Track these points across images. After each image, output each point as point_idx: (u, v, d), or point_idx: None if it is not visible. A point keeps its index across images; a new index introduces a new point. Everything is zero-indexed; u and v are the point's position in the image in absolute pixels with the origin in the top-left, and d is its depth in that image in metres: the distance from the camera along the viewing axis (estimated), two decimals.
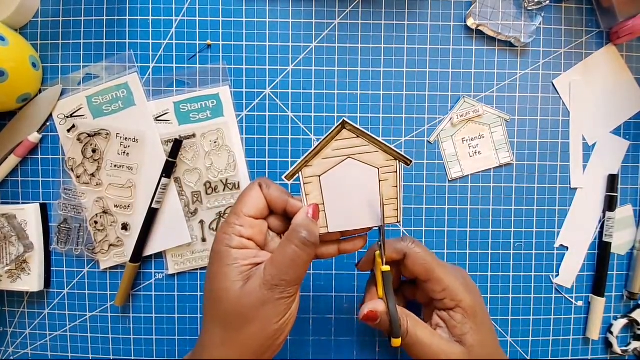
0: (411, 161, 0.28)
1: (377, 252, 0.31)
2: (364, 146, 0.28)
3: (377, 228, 0.30)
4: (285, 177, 0.28)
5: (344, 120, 0.27)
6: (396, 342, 0.29)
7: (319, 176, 0.28)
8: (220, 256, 0.27)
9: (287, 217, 0.30)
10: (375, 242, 0.32)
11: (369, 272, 0.35)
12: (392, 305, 0.29)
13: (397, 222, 0.29)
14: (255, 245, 0.29)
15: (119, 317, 0.42)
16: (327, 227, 0.29)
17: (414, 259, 0.31)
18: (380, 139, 0.27)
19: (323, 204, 0.29)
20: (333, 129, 0.27)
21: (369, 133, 0.27)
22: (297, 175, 0.28)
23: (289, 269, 0.26)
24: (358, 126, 0.27)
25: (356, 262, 0.35)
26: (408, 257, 0.31)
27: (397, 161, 0.28)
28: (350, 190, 0.28)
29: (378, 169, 0.28)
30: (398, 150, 0.28)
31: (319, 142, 0.27)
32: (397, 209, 0.29)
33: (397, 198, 0.28)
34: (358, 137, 0.28)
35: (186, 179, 0.41)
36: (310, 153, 0.28)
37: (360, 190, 0.28)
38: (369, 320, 0.30)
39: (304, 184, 0.28)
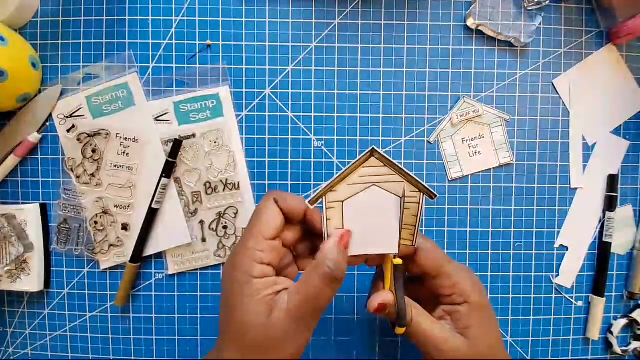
0: (436, 195, 0.28)
1: None
2: (390, 175, 0.28)
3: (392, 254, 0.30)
4: (308, 202, 0.28)
5: (373, 148, 0.27)
6: (400, 330, 0.29)
7: (342, 201, 0.28)
8: (240, 286, 0.26)
9: (303, 225, 0.30)
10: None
11: (375, 270, 0.35)
12: (400, 294, 0.29)
13: (412, 245, 0.29)
14: (273, 270, 0.28)
15: (119, 317, 0.42)
16: None
17: (426, 253, 0.30)
18: (406, 169, 0.27)
19: (342, 228, 0.28)
20: (362, 155, 0.27)
21: (396, 163, 0.27)
22: (320, 200, 0.28)
23: (313, 301, 0.26)
24: (387, 155, 0.27)
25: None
26: (420, 251, 0.31)
27: (421, 193, 0.28)
28: (370, 217, 0.28)
29: (401, 198, 0.28)
30: (424, 183, 0.28)
31: (346, 168, 0.27)
32: (413, 234, 0.29)
33: (414, 225, 0.29)
34: (385, 165, 0.27)
35: (186, 179, 0.41)
36: (336, 178, 0.27)
37: (380, 217, 0.28)
38: (378, 312, 0.29)
39: (327, 208, 0.28)
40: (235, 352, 0.26)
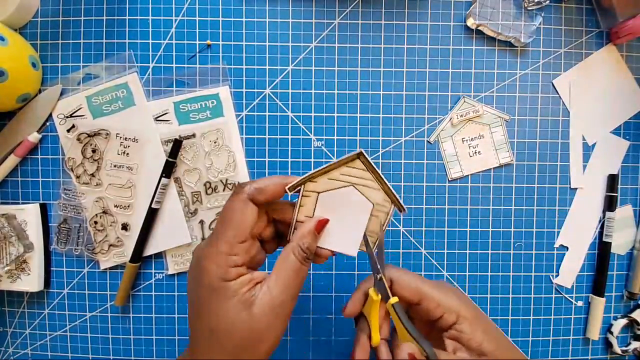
0: (405, 210, 0.29)
1: (372, 289, 0.30)
2: (369, 180, 0.28)
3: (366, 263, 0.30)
4: (288, 189, 0.28)
5: (361, 152, 0.27)
6: None
7: (319, 193, 0.29)
8: (217, 292, 0.26)
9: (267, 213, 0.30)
10: (363, 278, 0.32)
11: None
12: (425, 343, 0.27)
13: (365, 251, 0.30)
14: (246, 268, 0.27)
15: (119, 317, 0.42)
16: None
17: (401, 283, 0.29)
18: (385, 179, 0.28)
19: (311, 217, 0.29)
20: (348, 155, 0.28)
21: (379, 171, 0.28)
22: (299, 187, 0.28)
23: (294, 281, 0.27)
24: (372, 162, 0.28)
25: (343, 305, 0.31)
26: (395, 283, 0.30)
27: (393, 205, 0.29)
28: (340, 215, 0.29)
29: (373, 205, 0.29)
30: (397, 196, 0.29)
31: (330, 163, 0.28)
32: (373, 242, 0.30)
33: (377, 234, 0.29)
34: (368, 171, 0.28)
35: (186, 179, 0.41)
36: (319, 170, 0.28)
37: (349, 218, 0.29)
38: None
39: (303, 196, 0.28)
40: (221, 354, 0.26)
